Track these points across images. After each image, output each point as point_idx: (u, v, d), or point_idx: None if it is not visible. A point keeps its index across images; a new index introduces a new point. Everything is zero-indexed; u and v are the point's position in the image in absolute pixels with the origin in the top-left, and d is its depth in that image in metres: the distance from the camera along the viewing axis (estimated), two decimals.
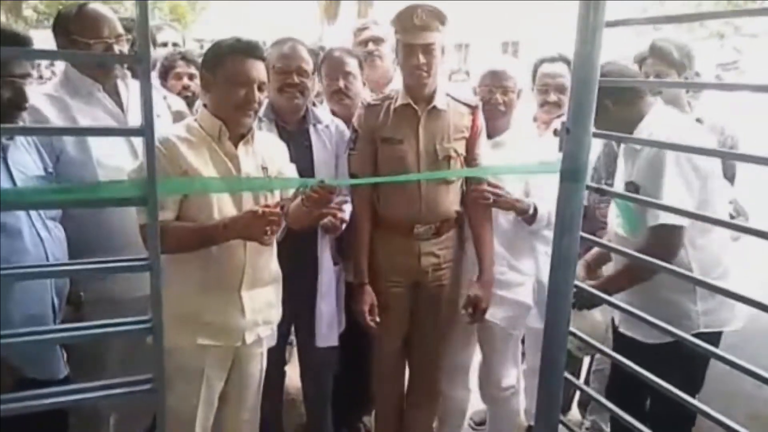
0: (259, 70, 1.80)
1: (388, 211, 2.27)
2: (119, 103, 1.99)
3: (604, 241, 1.65)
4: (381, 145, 2.23)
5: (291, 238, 2.04)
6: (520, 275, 2.34)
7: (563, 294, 1.63)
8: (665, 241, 1.78)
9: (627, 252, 1.60)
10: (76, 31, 1.81)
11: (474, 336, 2.46)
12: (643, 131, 1.86)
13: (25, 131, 1.42)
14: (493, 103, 2.26)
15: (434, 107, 2.19)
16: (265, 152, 1.92)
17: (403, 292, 2.32)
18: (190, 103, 2.79)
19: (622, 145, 1.98)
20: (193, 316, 1.76)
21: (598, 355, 2.52)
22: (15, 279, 1.19)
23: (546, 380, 1.69)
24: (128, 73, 2.05)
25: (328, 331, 2.31)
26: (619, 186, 1.92)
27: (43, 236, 1.47)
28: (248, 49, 1.80)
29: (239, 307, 1.84)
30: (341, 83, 2.43)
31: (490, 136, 2.30)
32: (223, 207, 1.78)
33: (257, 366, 2.00)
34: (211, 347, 1.81)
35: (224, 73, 1.77)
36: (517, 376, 2.52)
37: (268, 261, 1.92)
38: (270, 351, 2.10)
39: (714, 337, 1.88)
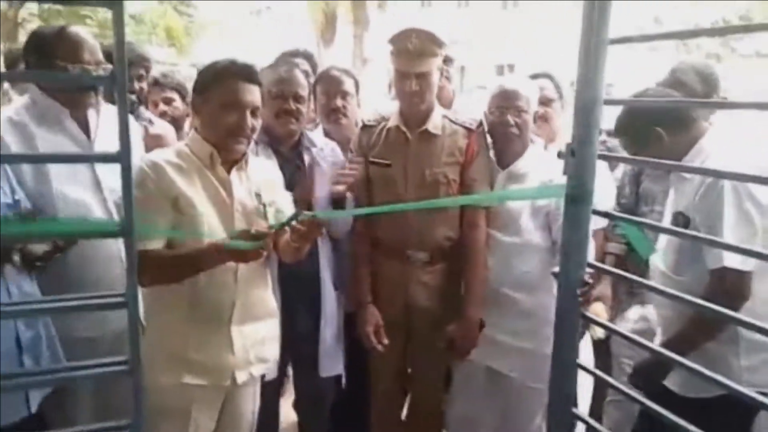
0: (253, 94, 1.70)
1: (380, 234, 2.20)
2: (86, 131, 1.87)
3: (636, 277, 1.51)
4: (371, 167, 2.17)
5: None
6: (529, 321, 2.11)
7: (570, 323, 1.55)
8: (731, 288, 1.57)
9: (683, 297, 1.35)
10: (54, 54, 1.72)
11: (481, 382, 2.24)
12: (695, 158, 1.71)
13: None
14: (505, 124, 2.11)
15: (426, 130, 2.12)
16: (260, 179, 1.82)
17: (395, 321, 2.22)
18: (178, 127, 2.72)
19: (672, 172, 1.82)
20: (178, 353, 1.64)
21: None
22: None
23: (555, 415, 1.60)
24: (101, 101, 1.96)
25: (331, 360, 2.22)
26: (667, 216, 1.76)
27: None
28: (242, 72, 1.70)
29: (228, 343, 1.71)
30: (338, 102, 2.37)
31: (504, 165, 2.17)
32: (212, 235, 1.66)
33: (249, 406, 1.86)
34: (198, 387, 1.68)
35: (216, 97, 1.68)
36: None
37: (261, 294, 1.80)
38: (266, 384, 1.99)
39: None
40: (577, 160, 1.45)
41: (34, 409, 1.52)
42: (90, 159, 1.56)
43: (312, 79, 2.55)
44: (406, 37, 2.00)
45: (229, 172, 1.73)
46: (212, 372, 1.69)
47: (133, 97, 2.45)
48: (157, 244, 1.62)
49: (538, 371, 1.97)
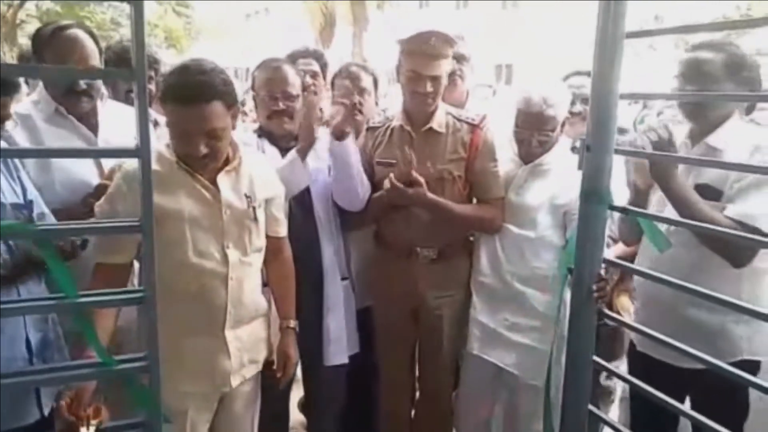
0: (196, 118, 1.49)
1: (388, 231, 2.19)
2: (92, 126, 1.85)
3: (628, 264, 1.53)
4: (377, 168, 2.15)
5: (292, 249, 1.94)
6: (535, 319, 2.06)
7: (586, 319, 1.54)
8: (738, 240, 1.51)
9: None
10: (44, 54, 1.70)
11: (488, 379, 2.20)
12: (723, 136, 1.67)
13: (18, 154, 1.31)
14: (527, 144, 2.06)
15: (430, 129, 2.11)
16: (254, 178, 1.71)
17: (404, 317, 2.21)
18: None
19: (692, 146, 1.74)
20: (174, 362, 1.52)
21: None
22: (4, 315, 1.08)
23: (571, 411, 1.60)
24: (105, 94, 1.92)
25: (336, 348, 2.20)
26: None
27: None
28: (182, 94, 1.48)
29: (224, 349, 1.66)
30: (356, 98, 2.35)
31: (527, 160, 2.12)
32: (200, 243, 1.59)
33: (246, 404, 1.80)
34: (195, 392, 1.64)
35: (166, 120, 1.54)
36: None
37: (252, 295, 1.73)
38: (274, 385, 1.97)
39: (755, 366, 1.68)
40: (593, 155, 1.44)
41: (46, 412, 1.49)
42: (109, 154, 1.54)
43: (320, 79, 2.52)
44: (424, 40, 1.97)
45: (217, 173, 1.63)
46: (208, 379, 1.65)
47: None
48: (121, 259, 1.55)
49: (538, 369, 1.97)
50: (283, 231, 1.87)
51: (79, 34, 1.75)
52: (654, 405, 1.42)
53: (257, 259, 1.73)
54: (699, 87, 1.63)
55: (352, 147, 2.03)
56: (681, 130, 1.77)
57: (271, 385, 1.92)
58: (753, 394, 1.68)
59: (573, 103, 2.22)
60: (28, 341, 1.36)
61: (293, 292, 1.92)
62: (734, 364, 1.35)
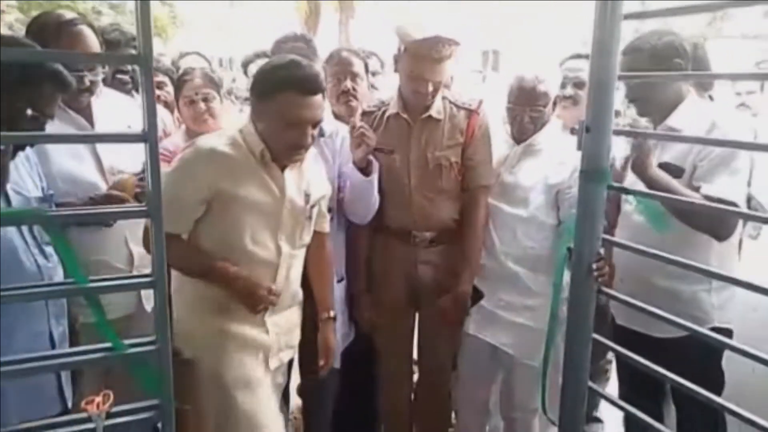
0: (315, 108, 1.59)
1: (386, 217, 2.21)
2: (87, 118, 1.84)
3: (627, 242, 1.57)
4: (374, 154, 2.16)
5: None
6: (529, 297, 2.12)
7: (585, 297, 1.57)
8: (719, 216, 1.66)
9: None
10: (48, 45, 1.63)
11: (485, 359, 2.25)
12: (680, 117, 1.78)
13: (26, 138, 1.29)
14: (520, 121, 2.12)
15: (429, 116, 2.13)
16: (311, 177, 1.77)
17: (404, 301, 2.24)
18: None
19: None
20: (219, 326, 1.66)
21: None
22: (14, 300, 1.08)
23: (570, 387, 1.63)
24: (100, 84, 1.90)
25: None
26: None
27: (40, 263, 1.35)
28: (305, 85, 1.56)
29: (264, 332, 1.73)
30: (349, 84, 2.36)
31: (519, 140, 2.17)
32: (257, 233, 1.64)
33: (276, 390, 1.86)
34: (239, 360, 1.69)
35: (276, 110, 1.57)
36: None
37: (294, 285, 1.81)
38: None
39: (726, 334, 1.76)
40: (593, 135, 1.46)
41: (69, 404, 1.49)
42: (117, 139, 1.54)
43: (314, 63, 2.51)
44: (431, 46, 1.97)
45: (283, 168, 1.67)
46: (253, 346, 1.71)
47: (128, 81, 2.41)
48: (182, 229, 1.61)
49: (534, 349, 2.00)
50: (327, 227, 1.94)
51: (84, 30, 1.74)
52: (640, 375, 1.49)
53: (303, 253, 1.80)
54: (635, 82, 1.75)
55: (375, 180, 2.08)
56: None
57: None
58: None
59: (564, 86, 2.26)
60: (51, 335, 1.36)
61: (332, 284, 2.02)
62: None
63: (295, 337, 1.87)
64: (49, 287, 1.14)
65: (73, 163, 1.73)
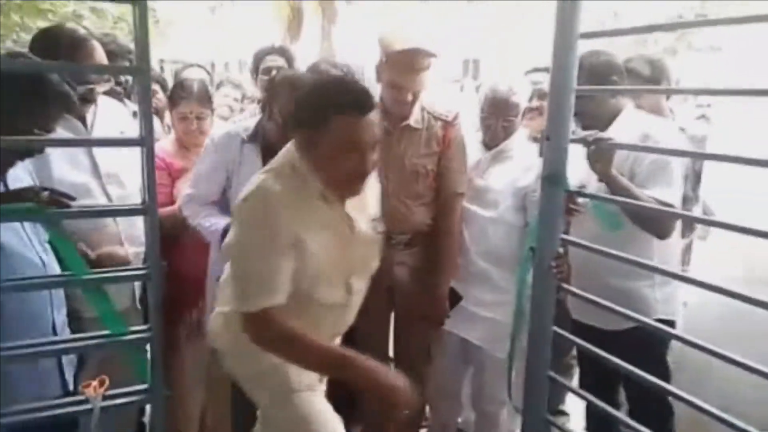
0: (374, 128, 1.40)
1: None
2: (84, 124, 1.90)
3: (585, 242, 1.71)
4: None
5: None
6: (498, 294, 2.22)
7: (546, 295, 1.71)
8: (663, 217, 1.81)
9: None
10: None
11: (456, 353, 2.39)
12: (619, 129, 1.92)
13: (26, 143, 1.36)
14: (493, 130, 2.24)
15: (408, 125, 2.24)
16: (370, 198, 1.60)
17: (381, 302, 2.34)
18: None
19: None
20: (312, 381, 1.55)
21: None
22: (16, 290, 1.17)
23: (533, 377, 1.76)
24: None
25: None
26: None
27: (44, 259, 1.42)
28: (360, 104, 1.37)
29: None
30: None
31: (491, 147, 2.30)
32: (329, 277, 1.46)
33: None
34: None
35: (332, 136, 1.36)
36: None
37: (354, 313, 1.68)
38: None
39: (670, 325, 1.93)
40: (552, 144, 1.60)
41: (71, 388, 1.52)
42: (114, 143, 1.63)
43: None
44: (411, 57, 2.07)
45: (343, 202, 1.49)
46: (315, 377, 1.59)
47: (119, 89, 2.49)
48: (281, 298, 1.36)
49: (502, 342, 2.11)
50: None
51: (97, 45, 1.80)
52: (596, 366, 1.65)
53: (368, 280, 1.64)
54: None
55: None
56: None
57: None
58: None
59: (531, 98, 2.41)
60: (53, 323, 1.42)
61: None
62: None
63: None
64: (49, 278, 1.23)
65: (69, 168, 1.79)
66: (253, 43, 2.93)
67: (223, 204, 2.09)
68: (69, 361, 1.43)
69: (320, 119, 1.37)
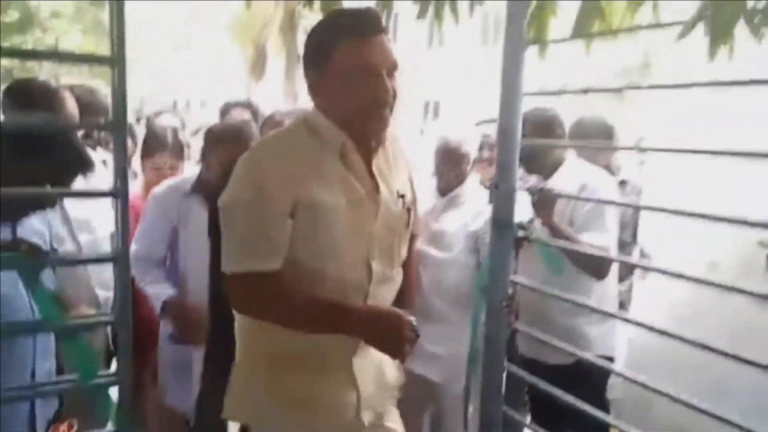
0: (384, 49, 1.30)
1: None
2: None
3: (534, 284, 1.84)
4: None
5: None
6: (455, 331, 2.29)
7: (498, 329, 1.81)
8: (599, 260, 1.99)
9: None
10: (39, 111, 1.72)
11: (417, 392, 2.32)
12: (561, 178, 2.12)
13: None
14: (446, 177, 2.39)
15: None
16: (399, 172, 1.46)
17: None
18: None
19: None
20: (305, 396, 1.38)
21: None
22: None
23: (487, 410, 1.85)
24: None
25: None
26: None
27: (35, 307, 1.44)
28: (361, 27, 1.29)
29: (352, 381, 1.42)
30: None
31: (443, 193, 2.43)
32: (344, 250, 1.33)
33: None
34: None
35: (338, 68, 1.29)
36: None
37: None
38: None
39: (609, 360, 2.10)
40: (501, 191, 1.74)
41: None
42: (89, 195, 1.68)
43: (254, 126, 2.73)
44: None
45: (368, 163, 1.36)
46: (342, 410, 1.41)
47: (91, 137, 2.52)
48: (275, 264, 1.28)
49: (458, 378, 2.20)
50: (416, 230, 1.60)
51: (68, 96, 1.85)
52: (542, 399, 1.77)
53: (399, 275, 1.49)
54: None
55: None
56: None
57: None
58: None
59: (482, 148, 2.60)
60: (33, 371, 1.40)
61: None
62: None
63: (392, 377, 1.56)
64: (19, 324, 1.27)
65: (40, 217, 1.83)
66: (216, 83, 3.03)
67: (171, 266, 2.12)
68: (46, 403, 1.44)
69: (325, 52, 1.30)
